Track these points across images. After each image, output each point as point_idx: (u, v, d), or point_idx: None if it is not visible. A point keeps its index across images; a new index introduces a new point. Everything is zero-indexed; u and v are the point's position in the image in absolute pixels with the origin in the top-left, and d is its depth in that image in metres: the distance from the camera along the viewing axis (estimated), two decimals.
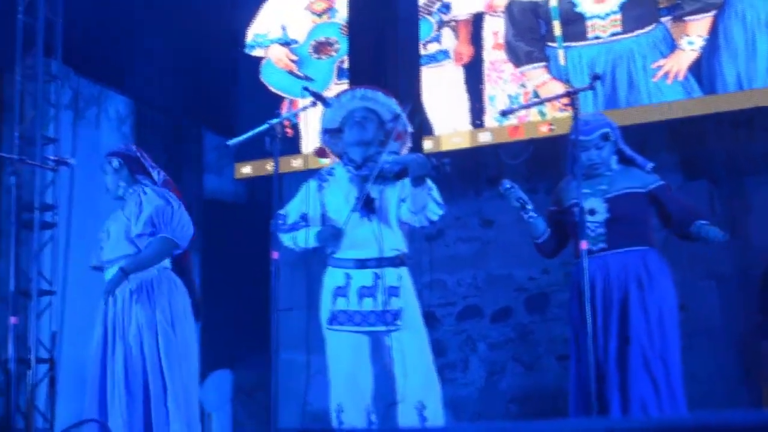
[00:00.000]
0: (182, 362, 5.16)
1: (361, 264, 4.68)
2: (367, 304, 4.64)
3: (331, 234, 4.73)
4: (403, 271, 4.73)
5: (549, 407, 7.54)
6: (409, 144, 4.93)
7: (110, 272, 5.25)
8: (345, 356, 4.68)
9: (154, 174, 5.45)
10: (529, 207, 4.96)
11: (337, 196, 4.80)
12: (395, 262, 4.70)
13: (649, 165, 4.97)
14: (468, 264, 7.94)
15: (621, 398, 4.70)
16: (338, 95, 4.96)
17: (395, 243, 4.71)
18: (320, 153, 5.03)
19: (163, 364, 5.10)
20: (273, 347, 4.38)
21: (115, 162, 5.43)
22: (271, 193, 4.64)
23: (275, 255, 4.47)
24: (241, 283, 8.57)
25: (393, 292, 4.63)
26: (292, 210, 4.88)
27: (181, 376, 5.13)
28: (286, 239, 4.86)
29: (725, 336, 7.22)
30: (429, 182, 4.57)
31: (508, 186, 4.93)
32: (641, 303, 4.76)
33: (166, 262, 5.28)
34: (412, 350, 4.63)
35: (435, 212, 4.63)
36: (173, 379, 5.09)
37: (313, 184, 4.89)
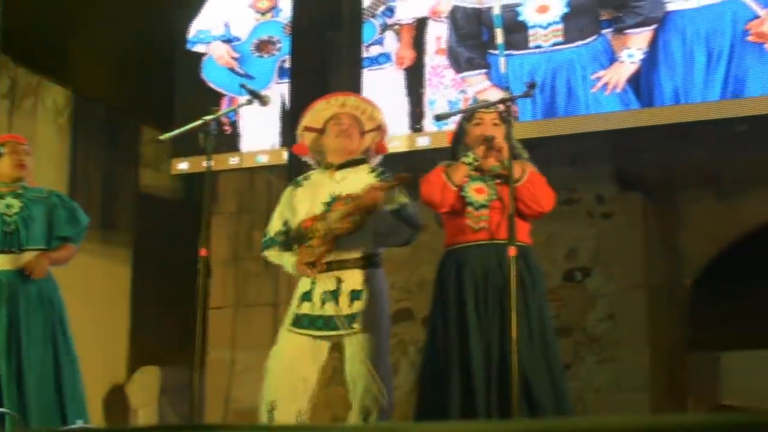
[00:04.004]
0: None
1: (325, 267, 4.62)
2: (329, 309, 4.59)
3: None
4: (371, 272, 4.65)
5: None
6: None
7: (18, 257, 5.32)
8: (292, 357, 4.62)
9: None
10: None
11: (305, 202, 4.76)
12: (359, 263, 4.64)
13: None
14: (401, 267, 7.92)
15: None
16: (327, 97, 4.96)
17: (356, 245, 4.63)
18: (298, 150, 4.96)
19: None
20: (197, 344, 4.34)
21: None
22: (204, 189, 4.60)
23: (203, 252, 4.43)
24: (173, 280, 8.50)
25: (355, 295, 4.59)
26: (276, 217, 4.86)
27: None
28: (270, 256, 4.86)
29: (652, 347, 7.29)
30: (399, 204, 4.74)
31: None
32: None
33: None
34: (360, 355, 4.55)
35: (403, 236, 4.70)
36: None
37: (289, 189, 4.89)
